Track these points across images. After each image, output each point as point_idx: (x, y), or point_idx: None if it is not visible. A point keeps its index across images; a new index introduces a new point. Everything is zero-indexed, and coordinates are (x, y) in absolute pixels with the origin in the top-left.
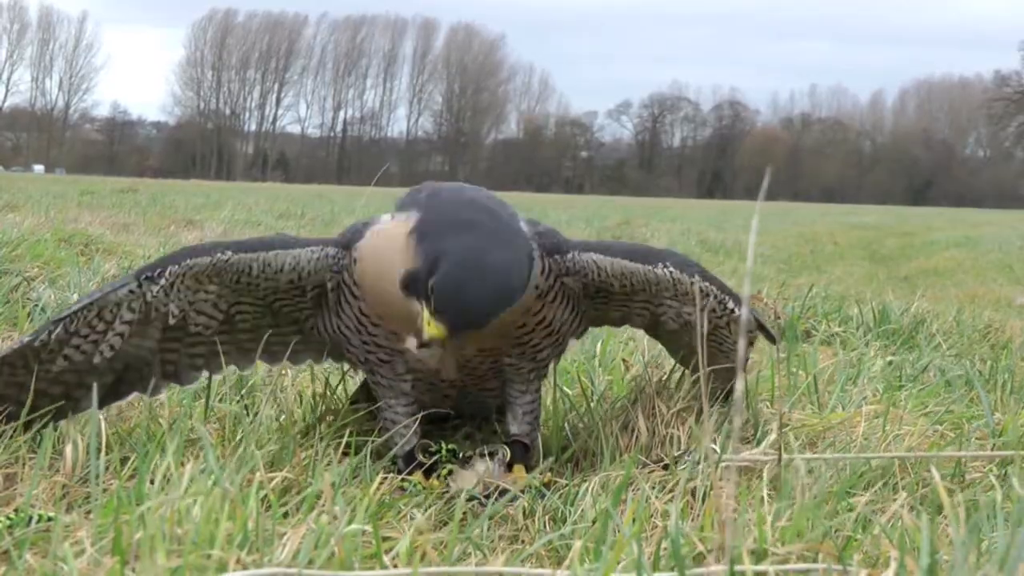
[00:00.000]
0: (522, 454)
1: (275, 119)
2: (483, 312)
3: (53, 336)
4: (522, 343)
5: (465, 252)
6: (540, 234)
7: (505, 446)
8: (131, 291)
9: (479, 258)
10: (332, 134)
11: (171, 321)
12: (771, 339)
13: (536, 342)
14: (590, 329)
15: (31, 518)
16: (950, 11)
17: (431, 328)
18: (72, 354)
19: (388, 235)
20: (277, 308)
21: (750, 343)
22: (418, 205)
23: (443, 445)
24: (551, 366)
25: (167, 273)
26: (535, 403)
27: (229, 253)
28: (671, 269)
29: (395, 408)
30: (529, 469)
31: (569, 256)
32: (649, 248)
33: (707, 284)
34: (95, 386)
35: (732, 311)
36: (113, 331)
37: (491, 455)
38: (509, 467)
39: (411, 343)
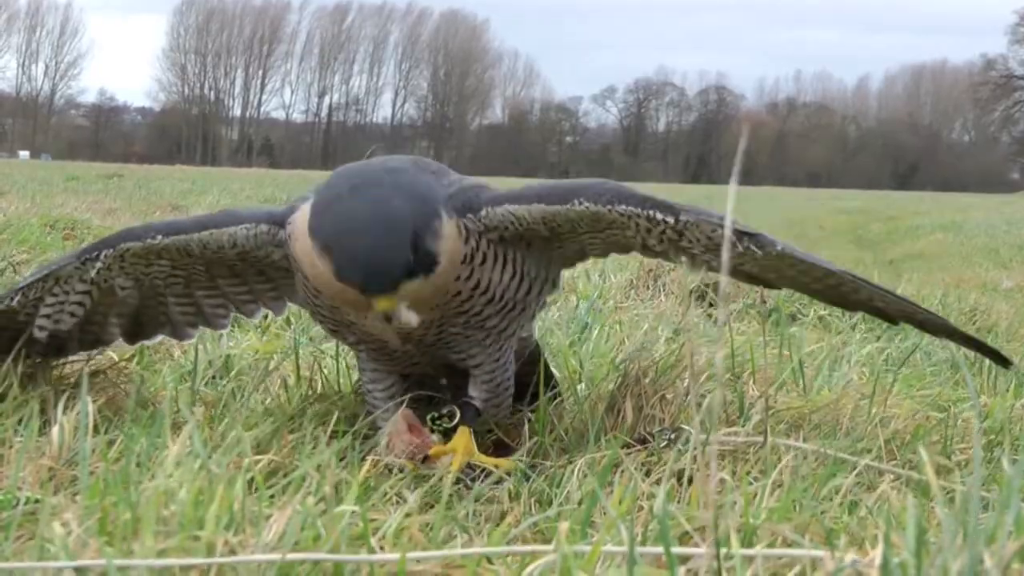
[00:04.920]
0: (471, 416)
1: (260, 105)
2: (383, 263)
3: (15, 302)
4: (464, 311)
5: (341, 218)
6: (451, 196)
7: (455, 406)
8: (75, 268)
9: (356, 219)
10: (317, 120)
11: (121, 293)
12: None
13: (478, 310)
14: (583, 319)
15: (18, 500)
16: None
17: (379, 304)
18: (45, 323)
19: (303, 221)
20: (239, 271)
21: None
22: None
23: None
24: (518, 332)
25: (102, 256)
26: (495, 372)
27: (160, 237)
28: (586, 204)
29: (374, 392)
30: (479, 433)
31: (483, 213)
32: (566, 186)
33: (625, 207)
34: (85, 374)
35: (663, 221)
36: (70, 301)
37: (443, 416)
38: (454, 428)
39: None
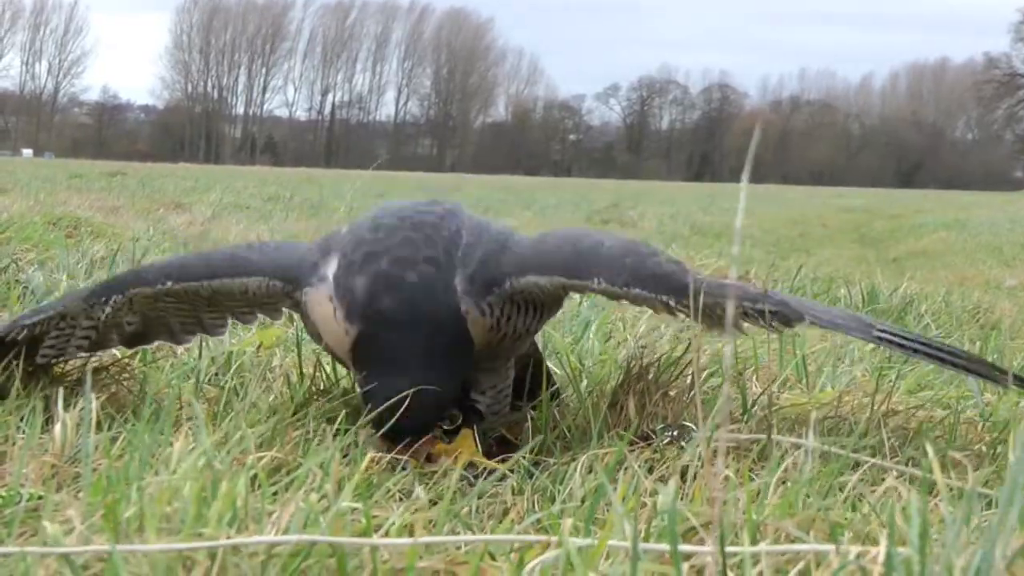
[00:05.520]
0: (474, 419)
1: (263, 102)
2: (419, 423)
3: (21, 337)
4: (493, 352)
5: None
6: (471, 278)
7: (457, 410)
8: (83, 308)
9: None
10: (320, 117)
11: (127, 328)
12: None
13: (507, 346)
14: (586, 316)
15: (20, 497)
16: None
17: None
18: (49, 352)
19: (327, 313)
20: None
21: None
22: (352, 302)
23: None
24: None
25: (112, 301)
26: (499, 381)
27: (170, 283)
28: (604, 285)
29: None
30: (481, 436)
31: (507, 285)
32: (585, 257)
33: (640, 291)
34: (88, 371)
35: (680, 305)
36: (76, 336)
37: (446, 418)
38: (456, 430)
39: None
